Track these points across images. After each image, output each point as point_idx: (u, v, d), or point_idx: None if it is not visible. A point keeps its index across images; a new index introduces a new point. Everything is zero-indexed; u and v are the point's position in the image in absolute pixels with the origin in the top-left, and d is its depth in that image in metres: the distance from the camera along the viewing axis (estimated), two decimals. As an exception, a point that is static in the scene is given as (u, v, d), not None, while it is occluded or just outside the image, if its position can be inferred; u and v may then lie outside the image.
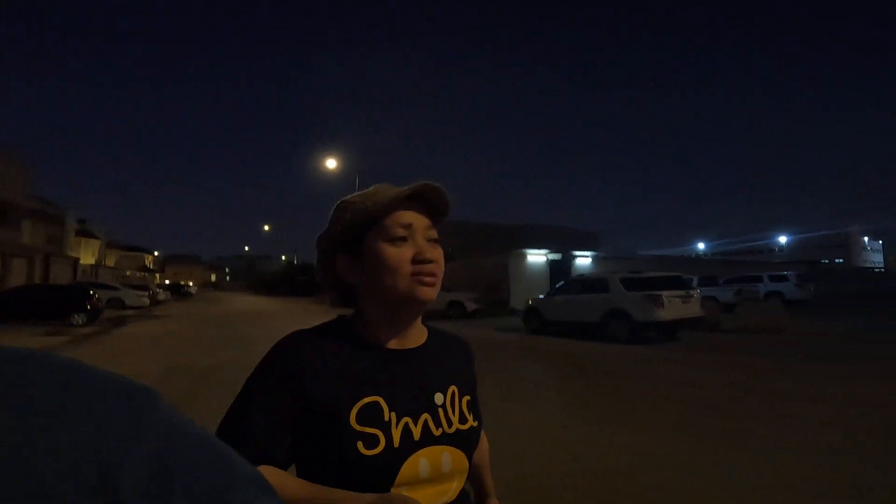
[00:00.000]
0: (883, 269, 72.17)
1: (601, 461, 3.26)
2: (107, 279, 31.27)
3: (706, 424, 4.10)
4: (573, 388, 5.76)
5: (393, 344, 0.74)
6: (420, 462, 0.68)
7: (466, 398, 0.78)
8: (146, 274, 53.26)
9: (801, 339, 9.58)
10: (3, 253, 20.61)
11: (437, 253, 0.73)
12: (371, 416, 0.66)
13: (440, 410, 0.73)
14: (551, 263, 22.98)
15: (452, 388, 0.76)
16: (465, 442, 0.74)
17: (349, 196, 0.77)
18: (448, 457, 0.71)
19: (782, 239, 74.02)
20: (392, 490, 0.65)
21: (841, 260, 72.87)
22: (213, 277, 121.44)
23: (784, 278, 20.27)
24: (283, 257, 70.61)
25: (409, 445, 0.68)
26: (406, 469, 0.67)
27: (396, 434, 0.67)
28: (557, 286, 12.23)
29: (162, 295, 31.90)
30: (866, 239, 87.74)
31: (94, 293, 14.90)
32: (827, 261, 65.34)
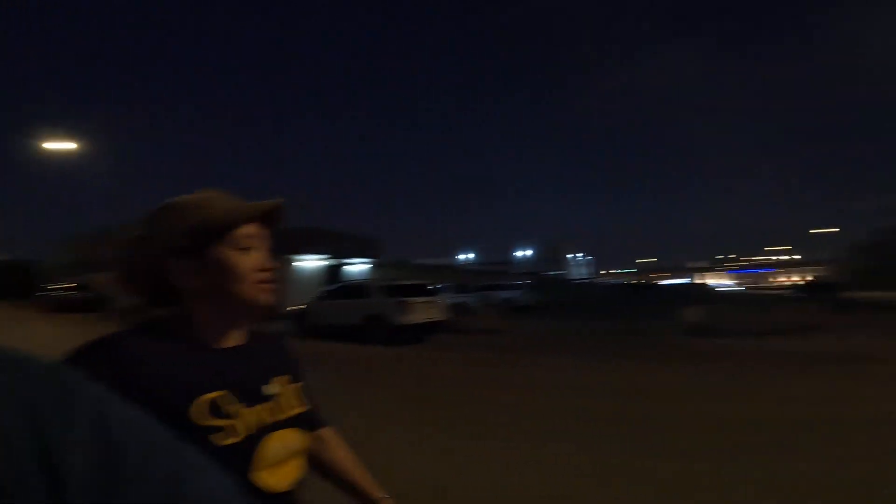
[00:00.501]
0: (588, 280, 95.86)
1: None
2: None
3: (425, 415, 4.93)
4: (337, 385, 6.36)
5: (224, 342, 0.77)
6: (271, 445, 0.73)
7: (298, 384, 0.85)
8: None
9: (517, 337, 12.18)
10: None
11: (275, 261, 0.80)
12: (217, 409, 0.69)
13: (278, 397, 0.79)
14: (330, 268, 23.40)
15: (284, 376, 0.83)
16: (306, 422, 0.82)
17: (176, 199, 0.77)
18: (294, 437, 0.78)
19: (523, 253, 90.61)
20: (252, 473, 0.70)
21: (561, 272, 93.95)
22: None
23: (514, 287, 25.07)
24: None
25: (259, 431, 0.72)
26: (261, 453, 0.71)
27: (244, 423, 0.71)
28: (324, 291, 12.82)
29: None
30: (577, 255, 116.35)
31: None
32: (553, 272, 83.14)
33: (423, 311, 10.60)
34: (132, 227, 0.79)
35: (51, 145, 17.91)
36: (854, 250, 58.03)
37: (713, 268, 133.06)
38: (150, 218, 0.76)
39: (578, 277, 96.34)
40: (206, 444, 0.65)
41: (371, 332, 10.61)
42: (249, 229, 0.76)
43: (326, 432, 0.93)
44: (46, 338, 10.37)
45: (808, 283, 31.90)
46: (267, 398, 0.76)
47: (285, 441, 0.75)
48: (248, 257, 0.75)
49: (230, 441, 0.68)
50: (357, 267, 25.44)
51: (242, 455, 0.69)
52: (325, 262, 23.59)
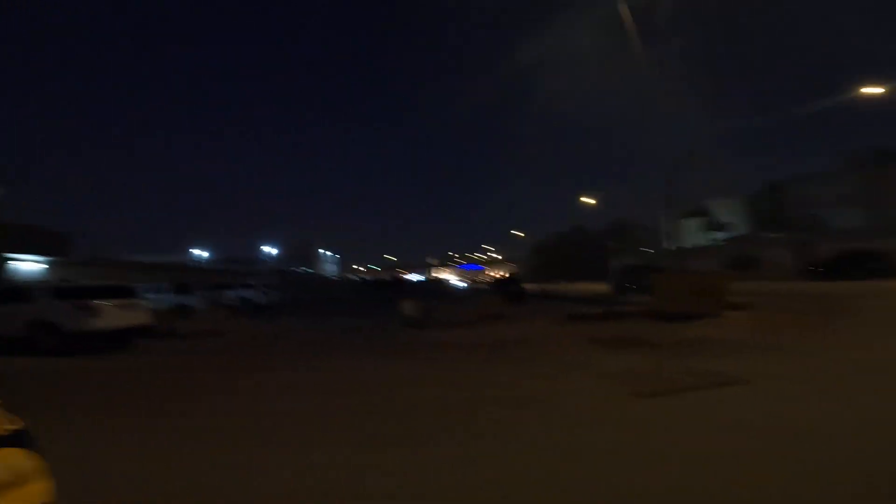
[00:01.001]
0: (337, 277, 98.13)
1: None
2: None
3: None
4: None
5: None
6: None
7: None
8: None
9: (238, 338, 11.78)
10: None
11: None
12: None
13: None
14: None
15: None
16: (19, 441, 0.78)
17: None
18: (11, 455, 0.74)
19: (268, 250, 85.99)
20: None
21: (310, 269, 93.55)
22: None
23: (251, 286, 24.13)
24: None
25: None
26: None
27: None
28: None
29: None
30: (325, 252, 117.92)
31: None
32: (299, 270, 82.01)
33: (113, 316, 9.42)
34: None
35: None
36: (534, 250, 76.11)
37: (445, 264, 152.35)
38: None
39: (323, 275, 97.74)
40: None
41: (39, 341, 8.86)
42: None
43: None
44: None
45: (499, 279, 40.76)
46: None
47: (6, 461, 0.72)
48: None
49: None
50: (32, 265, 20.18)
51: None
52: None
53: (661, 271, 14.99)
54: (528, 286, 46.62)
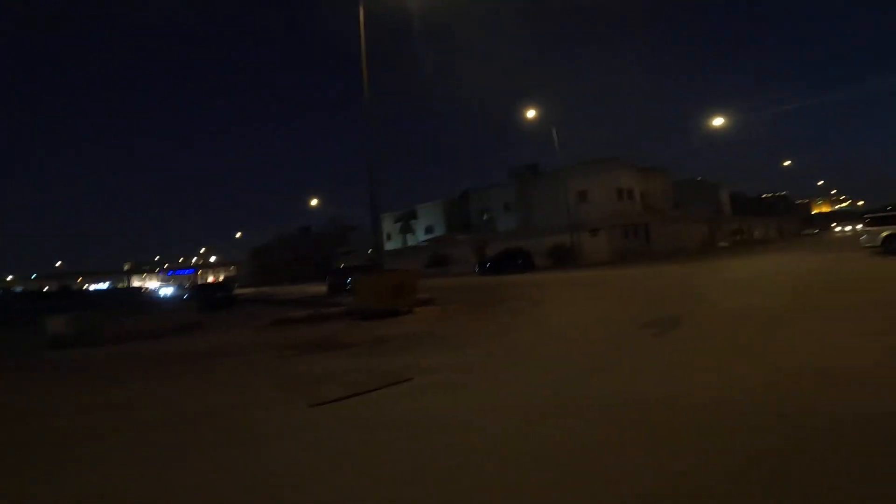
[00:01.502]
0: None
1: None
2: None
3: None
4: None
5: None
6: None
7: None
8: None
9: None
10: None
11: None
12: None
13: None
14: None
15: None
16: None
17: None
18: None
19: None
20: None
21: None
22: None
23: None
24: None
25: None
26: None
27: None
28: None
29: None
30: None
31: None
32: None
33: None
34: None
35: None
36: (255, 253, 71.33)
37: (148, 269, 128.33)
38: None
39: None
40: None
41: None
42: None
43: None
44: None
45: (203, 284, 36.18)
46: None
47: None
48: None
49: None
50: None
51: None
52: None
53: (368, 271, 15.94)
54: (246, 290, 43.22)
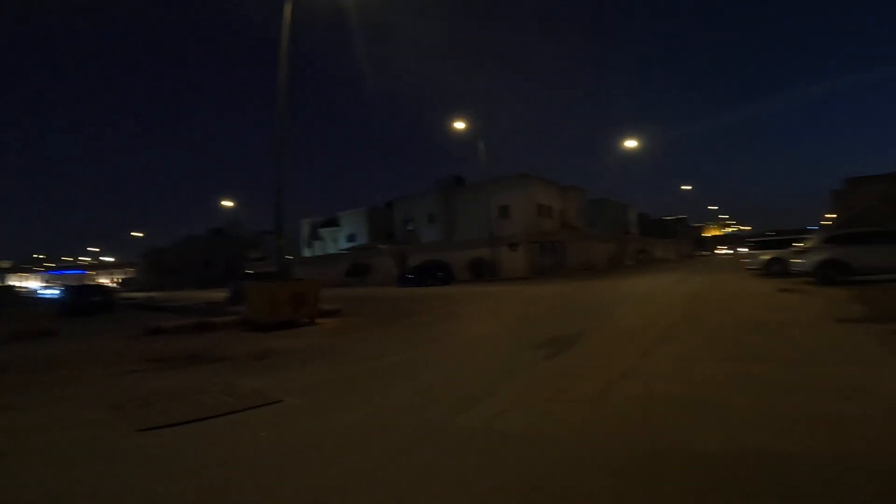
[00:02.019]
0: None
1: None
2: None
3: None
4: None
5: None
6: None
7: None
8: None
9: None
10: None
11: None
12: None
13: None
14: None
15: None
16: None
17: None
18: None
19: None
20: None
21: None
22: None
23: None
24: None
25: None
26: None
27: None
28: None
29: None
30: None
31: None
32: None
33: None
34: None
35: None
36: (153, 254, 65.20)
37: (27, 268, 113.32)
38: None
39: None
40: None
41: None
42: None
43: None
44: None
45: (75, 286, 31.98)
46: None
47: None
48: None
49: None
50: None
51: None
52: None
53: (271, 279, 14.74)
54: (137, 294, 39.00)
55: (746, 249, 25.49)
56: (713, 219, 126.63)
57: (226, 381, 5.46)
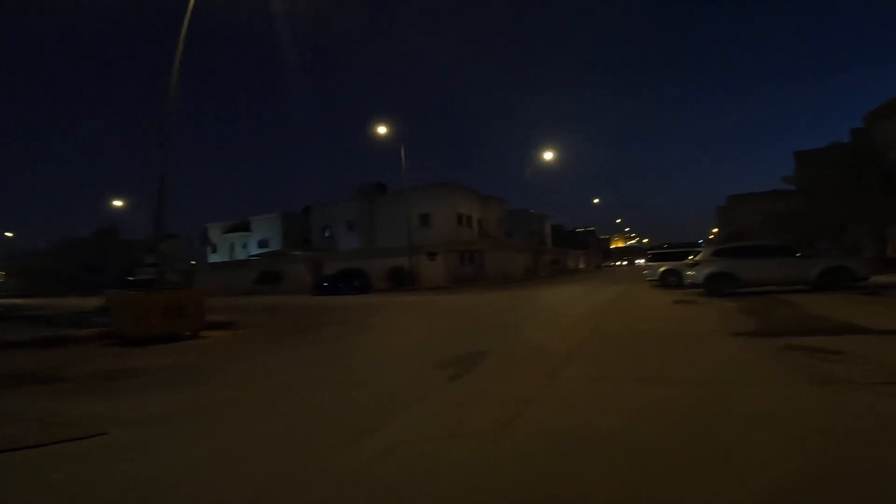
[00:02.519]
0: None
1: None
2: None
3: None
4: None
5: None
6: None
7: None
8: None
9: None
10: None
11: None
12: None
13: None
14: None
15: None
16: None
17: None
18: None
19: None
20: None
21: None
22: None
23: None
24: None
25: None
26: None
27: None
28: None
29: None
30: None
31: None
32: None
33: None
34: None
35: None
36: (24, 256, 56.90)
37: None
38: None
39: None
40: None
41: None
42: None
43: None
44: None
45: None
46: None
47: None
48: None
49: None
50: None
51: None
52: None
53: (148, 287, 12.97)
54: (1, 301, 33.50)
55: (644, 261, 27.34)
56: (619, 231, 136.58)
57: (52, 406, 4.38)
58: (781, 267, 12.49)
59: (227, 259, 50.42)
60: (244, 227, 52.50)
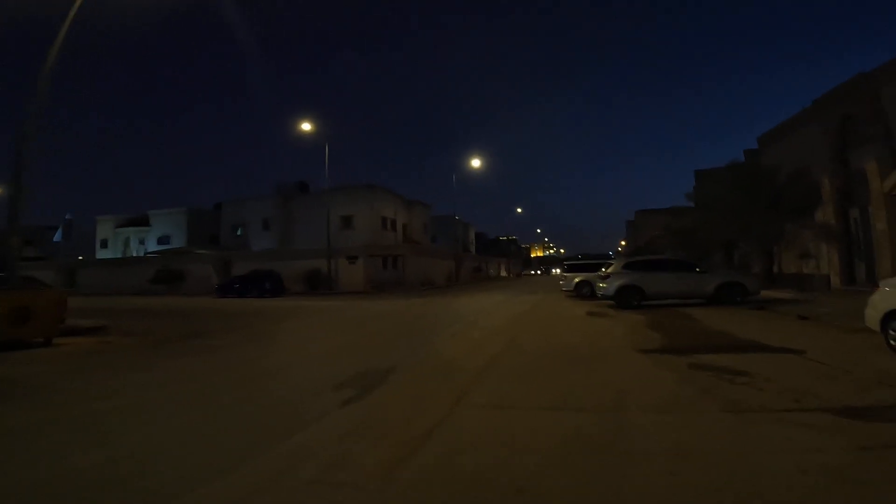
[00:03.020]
0: None
1: None
2: None
3: None
4: None
5: None
6: None
7: None
8: None
9: None
10: None
11: None
12: None
13: None
14: None
15: None
16: None
17: None
18: None
19: None
20: None
21: None
22: None
23: None
24: None
25: None
26: None
27: None
28: None
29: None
30: None
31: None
32: None
33: None
34: None
35: None
36: None
37: None
38: None
39: None
40: None
41: None
42: None
43: None
44: None
45: None
46: None
47: None
48: None
49: None
50: None
51: None
52: None
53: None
54: None
55: (559, 271, 28.30)
56: (539, 241, 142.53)
57: None
58: (683, 281, 13.17)
59: (120, 256, 45.19)
60: (142, 221, 47.44)
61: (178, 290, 32.00)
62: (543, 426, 3.49)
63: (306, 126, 28.38)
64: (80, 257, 44.26)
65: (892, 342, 5.36)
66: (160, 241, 45.23)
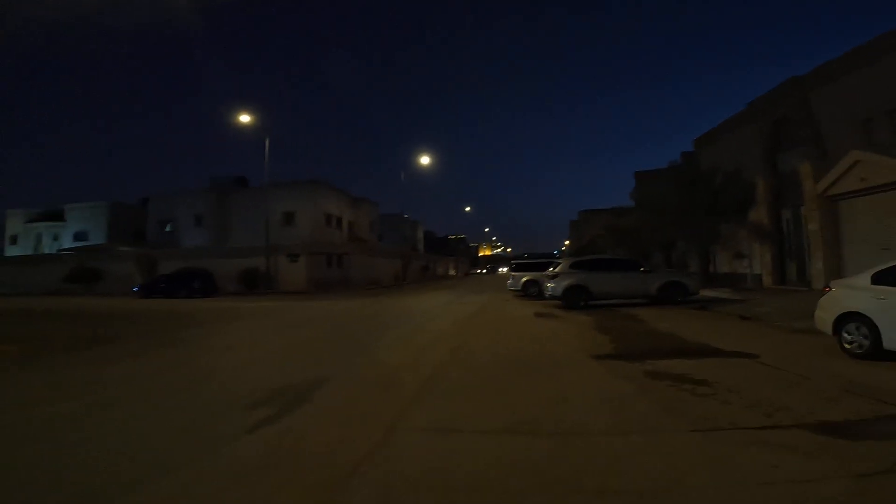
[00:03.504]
0: None
1: None
2: None
3: None
4: None
5: None
6: None
7: None
8: None
9: None
10: None
11: None
12: None
13: None
14: None
15: None
16: None
17: None
18: None
19: None
20: None
21: None
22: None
23: None
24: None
25: None
26: None
27: None
28: None
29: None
30: None
31: None
32: None
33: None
34: None
35: None
36: None
37: None
38: None
39: None
40: None
41: None
42: None
43: None
44: None
45: None
46: None
47: None
48: None
49: None
50: None
51: None
52: None
53: None
54: None
55: (506, 270, 28.21)
56: (487, 239, 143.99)
57: None
58: (629, 281, 13.20)
59: (31, 252, 40.65)
60: (57, 216, 42.95)
61: (94, 291, 29.06)
62: (495, 456, 2.90)
63: (245, 118, 26.62)
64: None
65: (846, 345, 5.26)
66: (77, 237, 41.09)
